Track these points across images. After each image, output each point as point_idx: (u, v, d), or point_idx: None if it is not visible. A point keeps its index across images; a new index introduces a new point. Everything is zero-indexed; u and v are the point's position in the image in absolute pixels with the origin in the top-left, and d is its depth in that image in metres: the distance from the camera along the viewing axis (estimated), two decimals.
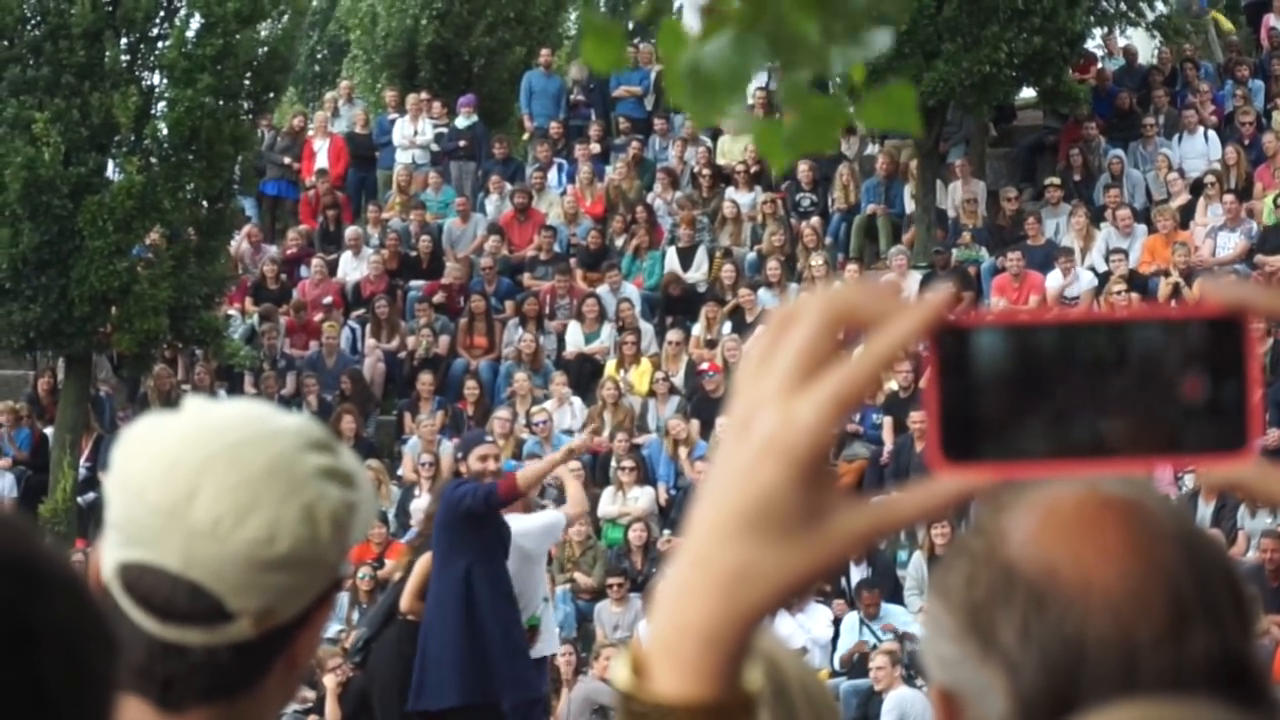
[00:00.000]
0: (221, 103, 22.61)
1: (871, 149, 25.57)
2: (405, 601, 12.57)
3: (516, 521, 12.37)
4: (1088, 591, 1.56)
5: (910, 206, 24.36)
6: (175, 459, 2.06)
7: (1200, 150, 24.11)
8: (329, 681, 16.64)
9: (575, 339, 22.81)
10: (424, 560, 12.45)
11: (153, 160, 22.42)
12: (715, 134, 25.81)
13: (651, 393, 21.60)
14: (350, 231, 25.32)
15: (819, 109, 2.23)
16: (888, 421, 20.28)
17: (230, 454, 2.06)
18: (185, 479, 2.04)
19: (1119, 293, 20.99)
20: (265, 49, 23.32)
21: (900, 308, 1.34)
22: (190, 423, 2.11)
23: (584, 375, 22.18)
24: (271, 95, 24.01)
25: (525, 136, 27.78)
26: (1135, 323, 1.35)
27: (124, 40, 22.65)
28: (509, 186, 25.81)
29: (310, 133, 27.80)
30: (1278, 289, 1.39)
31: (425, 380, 22.27)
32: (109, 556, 2.08)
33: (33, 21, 22.39)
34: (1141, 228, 22.60)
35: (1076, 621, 1.56)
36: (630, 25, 26.60)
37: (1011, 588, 1.59)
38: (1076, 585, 1.57)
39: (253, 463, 2.06)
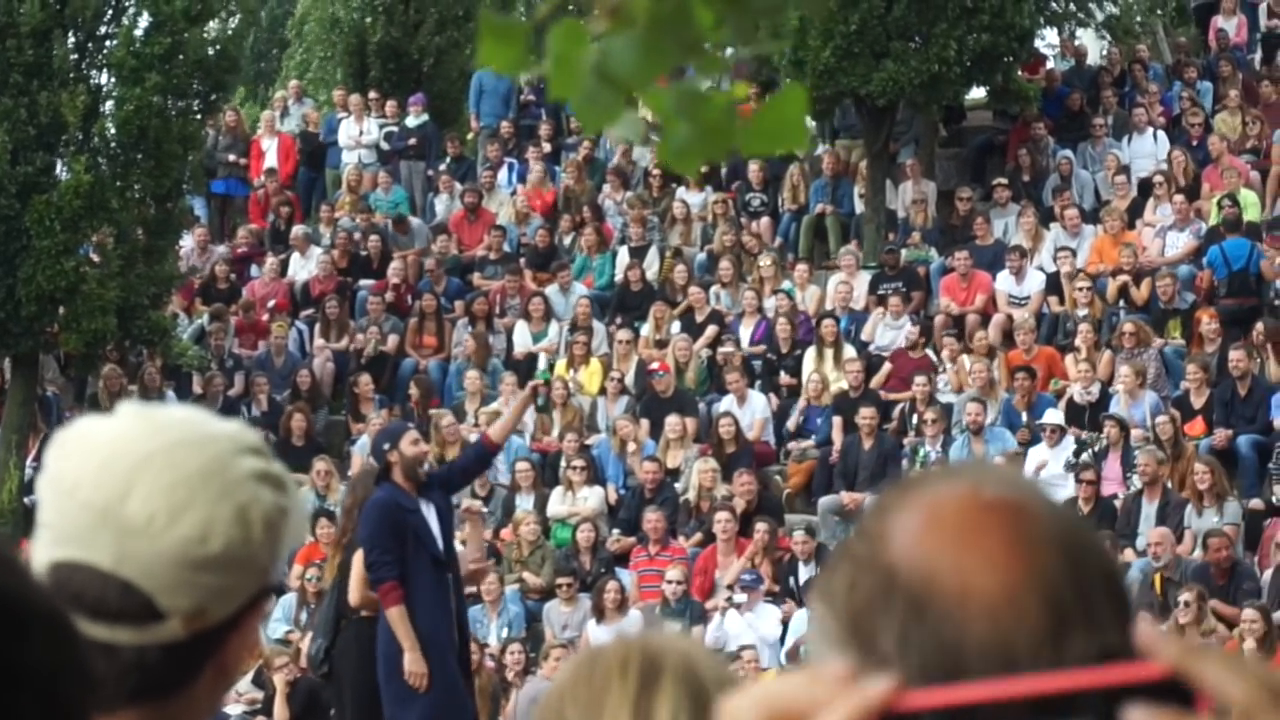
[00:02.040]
0: (170, 102, 22.53)
1: (821, 149, 25.61)
2: (353, 595, 12.51)
3: None
4: (966, 598, 1.56)
5: (860, 206, 24.40)
6: (108, 459, 2.07)
7: (1149, 150, 24.19)
8: (278, 681, 16.61)
9: (523, 339, 22.79)
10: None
11: (101, 160, 22.33)
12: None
13: (602, 391, 21.59)
14: (296, 231, 25.26)
15: (711, 119, 2.20)
16: (837, 421, 20.31)
17: (165, 455, 2.07)
18: (118, 478, 2.05)
19: (1081, 289, 21.08)
20: (215, 48, 23.25)
21: (838, 696, 1.34)
22: (124, 425, 2.11)
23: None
24: (219, 95, 23.91)
25: (471, 135, 27.76)
26: (1077, 693, 1.35)
27: (72, 39, 22.55)
28: (459, 186, 25.79)
29: (259, 132, 27.75)
30: (1227, 657, 1.40)
31: (364, 381, 22.25)
32: (40, 556, 2.08)
33: None
34: (1090, 228, 22.67)
35: (954, 628, 1.55)
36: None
37: (891, 594, 1.58)
38: (955, 592, 1.56)
39: (187, 463, 2.07)
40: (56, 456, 2.10)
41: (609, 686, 2.39)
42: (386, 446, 12.23)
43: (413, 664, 11.85)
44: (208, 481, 2.07)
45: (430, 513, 12.11)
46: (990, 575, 1.56)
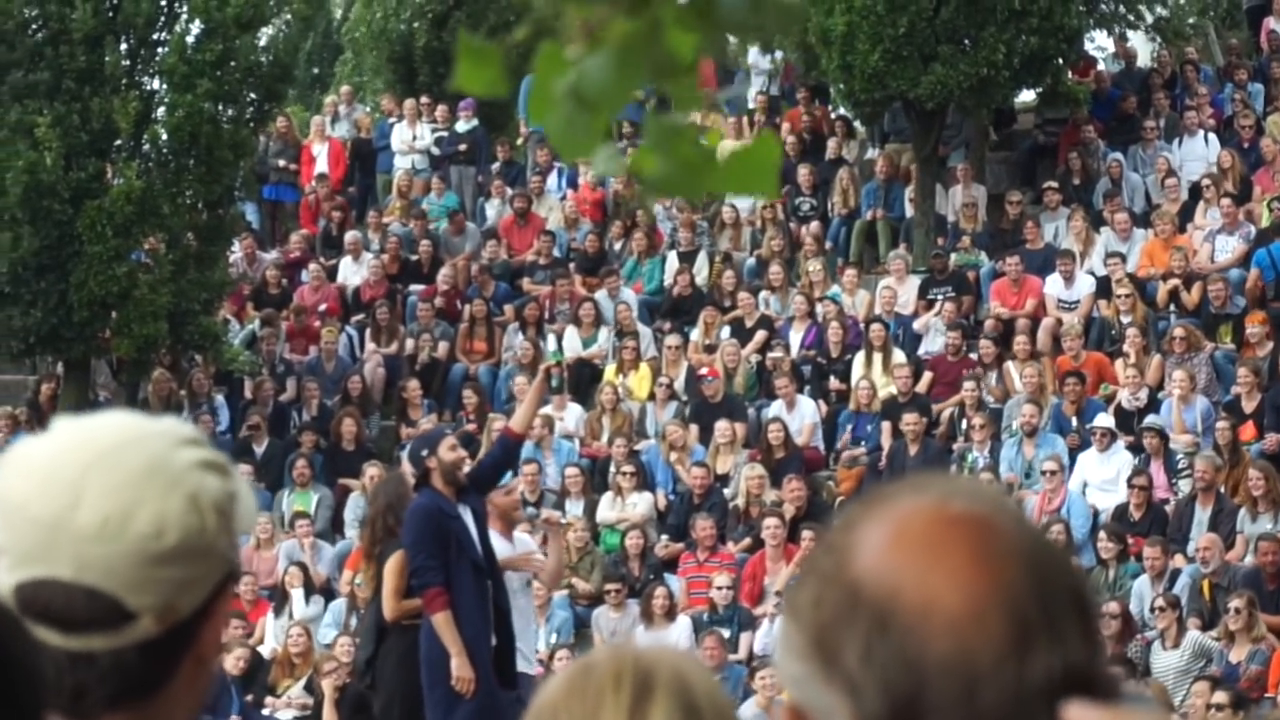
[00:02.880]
0: (221, 108, 22.64)
1: (872, 153, 25.56)
2: (386, 609, 12.52)
3: (498, 545, 12.44)
4: (930, 613, 1.58)
5: (910, 211, 24.33)
6: (51, 472, 2.09)
7: (1200, 153, 24.04)
8: (326, 687, 16.66)
9: (572, 344, 22.80)
10: (393, 562, 12.40)
11: (152, 165, 22.45)
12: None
13: (651, 397, 21.58)
14: (350, 236, 25.30)
15: (689, 157, 2.20)
16: (885, 427, 20.27)
17: (107, 459, 2.09)
18: (65, 489, 2.07)
19: (1122, 296, 20.96)
20: (268, 56, 23.34)
21: None
22: (60, 438, 2.14)
23: (582, 380, 22.16)
24: (272, 104, 23.99)
25: (520, 141, 27.78)
26: None
27: (124, 45, 22.67)
28: (509, 191, 25.81)
29: (309, 137, 27.83)
30: None
31: (413, 387, 22.26)
32: (3, 580, 2.10)
33: (34, 26, 22.39)
34: (1140, 231, 22.55)
35: (917, 644, 1.57)
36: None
37: (855, 609, 1.60)
38: (919, 607, 1.58)
39: (131, 463, 2.09)
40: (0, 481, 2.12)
41: (603, 700, 2.41)
42: (425, 453, 12.23)
43: (460, 669, 11.85)
44: (153, 476, 2.09)
45: (469, 518, 12.14)
46: (955, 591, 1.57)
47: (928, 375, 21.05)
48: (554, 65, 2.16)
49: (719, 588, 17.97)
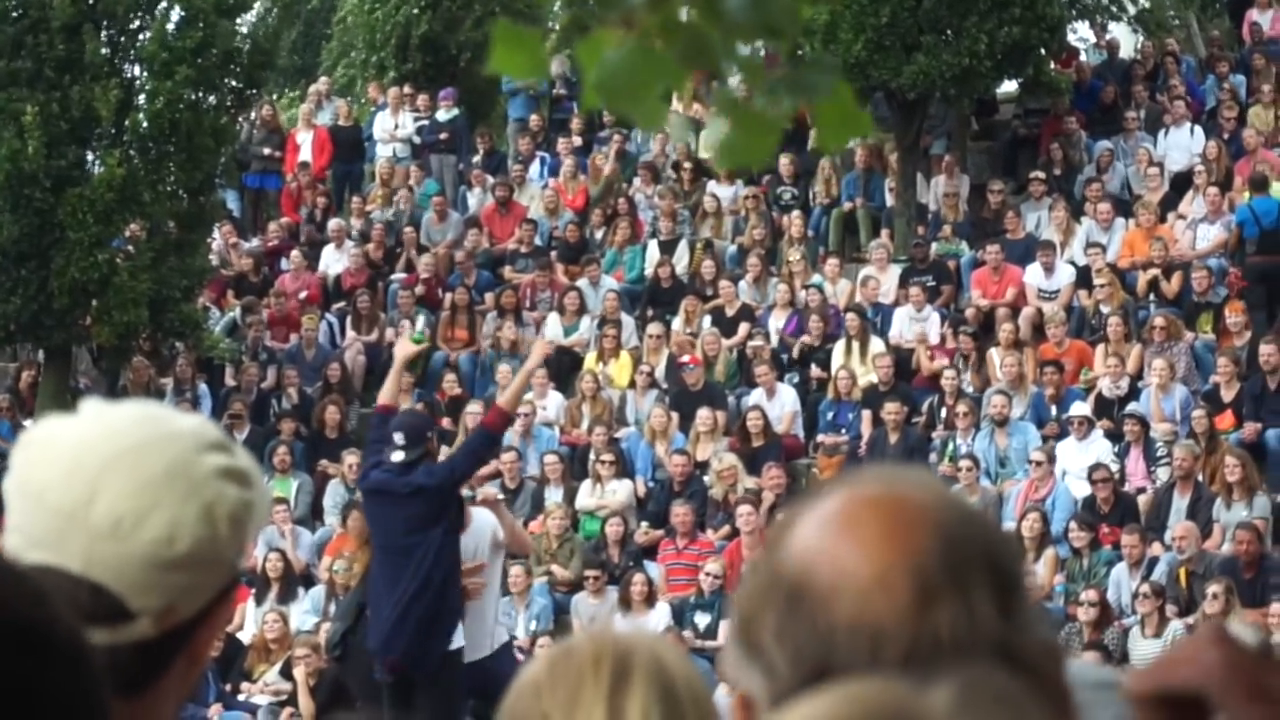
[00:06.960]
0: (201, 95, 22.60)
1: (852, 142, 25.56)
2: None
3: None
4: (839, 584, 1.63)
5: (890, 200, 24.35)
6: (74, 462, 2.09)
7: (1184, 144, 24.08)
8: (299, 673, 16.66)
9: (554, 332, 22.80)
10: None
11: (133, 153, 22.41)
12: (696, 128, 25.77)
13: (632, 385, 21.59)
14: (334, 224, 25.31)
15: (755, 121, 2.24)
16: (866, 415, 20.29)
17: (129, 457, 2.09)
18: (85, 482, 2.07)
19: (1102, 286, 20.99)
20: (248, 43, 23.32)
21: None
22: (88, 426, 2.13)
23: (563, 368, 22.17)
24: (252, 91, 23.94)
25: (508, 129, 27.81)
26: None
27: (105, 33, 22.62)
28: (490, 179, 25.80)
29: (297, 125, 27.81)
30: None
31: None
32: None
33: (15, 14, 22.32)
34: (1120, 221, 22.59)
35: (826, 614, 1.63)
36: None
37: (773, 590, 1.66)
38: (829, 579, 1.64)
39: (152, 465, 2.09)
40: (23, 460, 2.13)
41: (583, 682, 2.44)
42: (430, 434, 12.43)
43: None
44: (172, 482, 2.09)
45: None
46: (863, 561, 1.64)
47: (914, 362, 21.07)
48: (595, 52, 2.18)
49: (708, 574, 17.93)
